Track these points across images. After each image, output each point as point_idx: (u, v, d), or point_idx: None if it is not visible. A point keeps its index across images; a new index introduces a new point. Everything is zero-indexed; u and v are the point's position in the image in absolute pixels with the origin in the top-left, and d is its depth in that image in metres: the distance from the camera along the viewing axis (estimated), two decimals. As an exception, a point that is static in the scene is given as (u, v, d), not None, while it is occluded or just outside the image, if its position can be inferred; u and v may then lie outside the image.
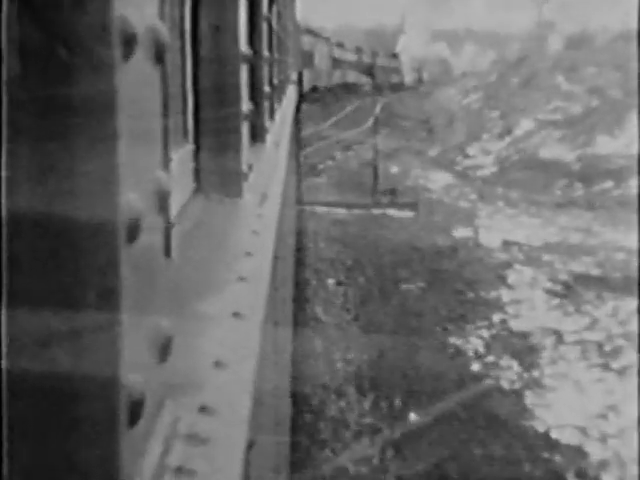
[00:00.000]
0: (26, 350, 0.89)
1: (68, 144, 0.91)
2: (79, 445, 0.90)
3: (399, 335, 10.60)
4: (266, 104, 5.13)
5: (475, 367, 9.93)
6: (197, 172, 2.99)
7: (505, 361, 10.22)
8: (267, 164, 4.23)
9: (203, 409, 1.18)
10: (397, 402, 8.69)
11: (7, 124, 0.91)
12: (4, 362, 0.89)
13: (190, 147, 2.95)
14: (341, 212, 19.39)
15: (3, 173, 0.91)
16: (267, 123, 5.15)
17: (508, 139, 30.97)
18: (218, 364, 1.34)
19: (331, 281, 13.30)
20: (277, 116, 7.08)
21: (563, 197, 22.55)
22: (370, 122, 33.06)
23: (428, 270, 14.02)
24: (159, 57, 1.12)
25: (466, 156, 29.73)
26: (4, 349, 0.89)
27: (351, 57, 51.16)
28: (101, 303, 0.91)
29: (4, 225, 0.88)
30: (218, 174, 2.95)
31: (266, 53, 5.07)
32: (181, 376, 1.26)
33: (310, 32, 36.38)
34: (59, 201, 0.90)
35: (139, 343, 0.99)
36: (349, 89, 49.59)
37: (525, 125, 31.83)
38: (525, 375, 9.78)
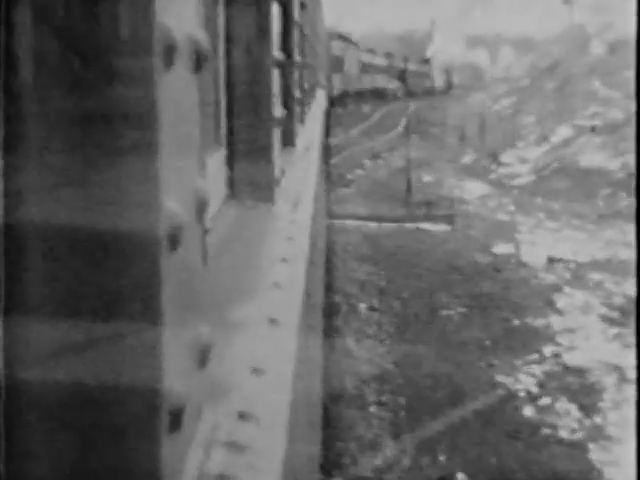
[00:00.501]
0: (70, 357, 0.90)
1: (110, 153, 0.91)
2: (122, 451, 0.91)
3: (440, 375, 9.43)
4: (297, 109, 5.14)
5: (528, 412, 8.80)
6: (230, 178, 3.00)
7: (562, 404, 9.01)
8: (298, 169, 4.23)
9: (242, 416, 1.18)
10: (440, 459, 7.60)
11: (50, 133, 0.92)
12: (49, 370, 0.90)
13: (223, 152, 2.96)
14: (372, 226, 18.18)
15: (44, 182, 0.92)
16: (298, 127, 5.17)
17: (545, 146, 29.68)
18: (256, 370, 1.35)
19: (363, 306, 12.17)
20: (307, 120, 7.09)
21: (607, 208, 21.16)
22: (400, 129, 32.17)
23: (469, 294, 12.81)
24: (198, 66, 1.13)
25: (501, 164, 28.38)
26: (49, 357, 0.90)
27: (381, 62, 51.07)
28: (144, 311, 0.91)
29: (50, 235, 0.89)
30: (251, 180, 2.96)
31: (297, 58, 5.08)
32: (220, 383, 1.26)
33: (340, 37, 36.30)
34: (102, 210, 0.91)
35: (180, 351, 0.99)
36: (379, 94, 49.49)
37: (563, 132, 30.76)
38: (586, 422, 8.65)
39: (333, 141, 25.22)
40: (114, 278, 0.91)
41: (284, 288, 1.93)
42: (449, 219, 18.68)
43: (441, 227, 18.17)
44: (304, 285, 2.09)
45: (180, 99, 1.03)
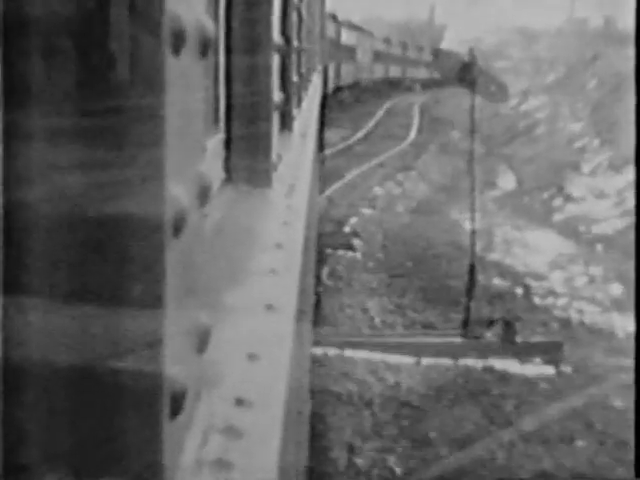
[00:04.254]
0: (70, 342, 0.90)
1: (116, 138, 0.92)
2: (122, 435, 0.91)
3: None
4: (294, 93, 5.13)
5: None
6: (226, 162, 3.00)
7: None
8: (294, 154, 4.23)
9: (239, 401, 1.19)
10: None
11: (54, 117, 0.92)
12: (49, 354, 0.90)
13: (221, 137, 2.96)
14: (398, 361, 9.16)
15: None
16: (295, 112, 5.16)
17: (628, 171, 18.72)
18: (252, 356, 1.35)
19: None
20: (304, 104, 7.08)
21: None
22: (412, 134, 26.14)
23: None
24: (204, 51, 1.13)
25: (569, 198, 18.94)
26: (45, 343, 0.91)
27: (396, 52, 50.60)
28: (146, 296, 0.92)
29: (53, 219, 0.89)
30: (248, 164, 2.96)
31: (296, 42, 5.07)
32: (216, 368, 1.27)
33: (353, 26, 35.71)
34: (106, 195, 0.91)
35: (181, 335, 1.00)
36: (391, 84, 48.92)
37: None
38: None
39: (331, 151, 20.04)
40: (117, 262, 0.91)
41: (280, 274, 1.94)
42: (552, 352, 9.63)
43: (537, 369, 9.36)
44: (299, 271, 2.10)
45: (187, 85, 1.04)
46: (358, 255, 13.78)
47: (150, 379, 0.91)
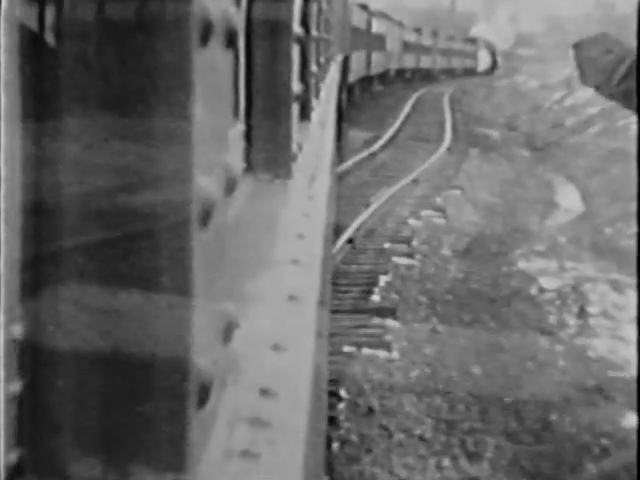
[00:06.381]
0: (100, 331, 0.91)
1: (145, 129, 0.92)
2: (149, 426, 0.92)
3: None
4: (313, 83, 5.13)
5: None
6: (247, 152, 3.00)
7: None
8: (314, 143, 4.23)
9: (264, 392, 1.19)
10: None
11: (84, 108, 0.92)
12: (79, 344, 0.91)
13: (241, 127, 2.96)
14: None
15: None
16: (313, 102, 5.16)
17: None
18: (277, 347, 1.36)
19: None
20: (322, 94, 7.07)
21: None
22: (446, 136, 21.78)
23: None
24: (231, 42, 1.13)
25: None
26: (77, 331, 0.91)
27: (427, 42, 50.16)
28: (174, 286, 0.92)
29: (82, 212, 0.90)
30: (268, 155, 2.96)
31: (315, 32, 5.07)
32: (241, 359, 1.27)
33: (383, 15, 35.28)
34: (135, 186, 0.92)
35: (209, 326, 1.00)
36: (421, 74, 48.47)
37: None
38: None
39: (347, 165, 16.03)
40: (146, 254, 0.91)
41: (302, 264, 1.94)
42: None
43: None
44: (321, 262, 2.10)
45: (214, 76, 1.04)
46: (395, 355, 7.86)
47: (178, 369, 0.91)
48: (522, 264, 11.26)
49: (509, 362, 7.94)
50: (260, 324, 1.46)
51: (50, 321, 0.88)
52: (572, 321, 9.26)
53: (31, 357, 0.89)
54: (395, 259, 11.24)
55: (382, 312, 8.97)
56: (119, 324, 0.89)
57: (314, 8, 4.83)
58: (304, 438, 1.08)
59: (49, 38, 0.88)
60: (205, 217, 0.97)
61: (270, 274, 1.85)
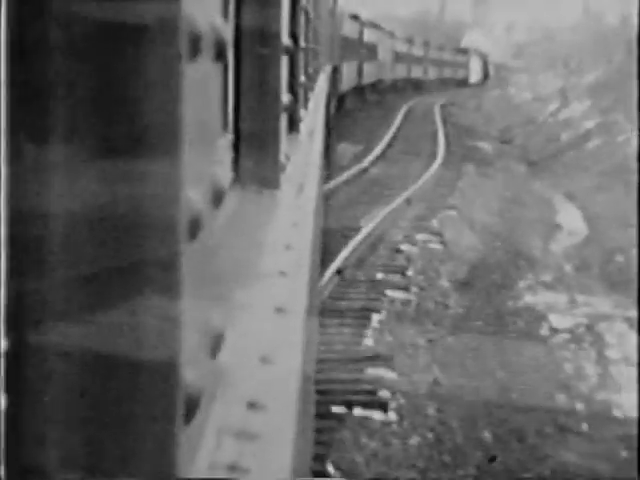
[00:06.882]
0: (86, 347, 0.90)
1: (133, 142, 0.92)
2: (136, 440, 0.91)
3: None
4: (301, 93, 5.14)
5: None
6: (235, 162, 3.00)
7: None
8: (302, 154, 4.23)
9: (252, 405, 1.19)
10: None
11: (71, 120, 0.92)
12: (63, 359, 0.90)
13: (229, 137, 2.96)
14: None
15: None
16: (302, 112, 5.16)
17: None
18: (265, 359, 1.35)
19: None
20: (310, 104, 7.09)
21: None
22: (439, 150, 21.09)
23: None
24: (219, 54, 1.13)
25: None
26: (65, 346, 0.91)
27: (418, 52, 50.35)
28: (161, 299, 0.92)
29: (69, 223, 0.89)
30: (256, 165, 2.96)
31: (303, 44, 5.08)
32: (229, 371, 1.27)
33: (374, 26, 35.28)
34: (123, 197, 0.91)
35: (196, 339, 1.00)
36: (413, 84, 48.59)
37: None
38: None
39: (335, 182, 15.14)
40: (133, 267, 0.91)
41: (289, 276, 1.94)
42: None
43: None
44: (309, 273, 2.10)
45: (203, 88, 1.04)
46: (393, 417, 6.87)
47: (166, 382, 0.91)
48: (529, 298, 10.31)
49: (524, 425, 6.85)
50: (248, 336, 1.46)
51: (34, 334, 0.87)
52: (591, 369, 8.14)
53: (17, 370, 0.89)
54: (389, 293, 10.22)
55: (376, 360, 7.99)
56: (105, 337, 0.89)
57: (302, 18, 4.84)
58: (292, 451, 1.08)
59: (34, 55, 0.88)
60: (193, 229, 0.97)
61: (258, 286, 1.84)
